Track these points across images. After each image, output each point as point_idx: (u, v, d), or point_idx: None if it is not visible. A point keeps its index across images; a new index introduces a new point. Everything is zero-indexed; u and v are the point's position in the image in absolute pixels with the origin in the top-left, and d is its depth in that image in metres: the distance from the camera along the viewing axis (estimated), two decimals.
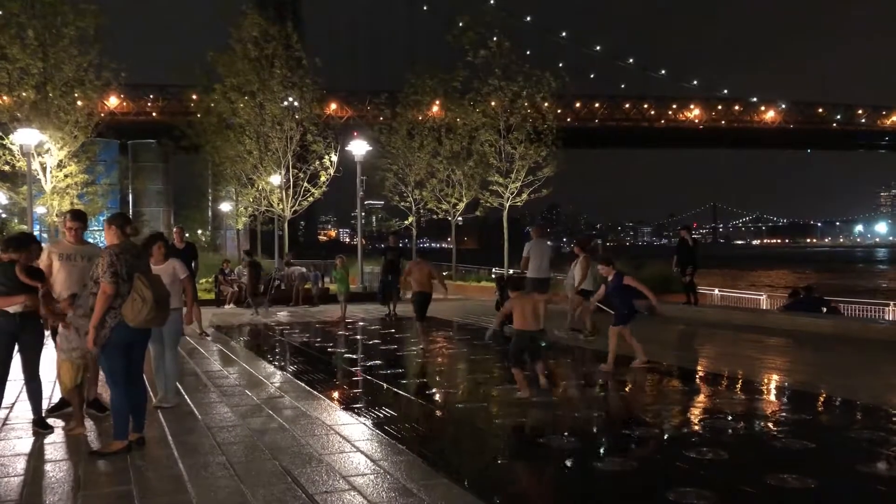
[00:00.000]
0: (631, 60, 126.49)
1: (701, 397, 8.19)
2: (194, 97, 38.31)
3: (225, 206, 46.19)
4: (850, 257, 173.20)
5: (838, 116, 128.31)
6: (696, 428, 6.74)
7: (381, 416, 7.07)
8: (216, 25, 32.22)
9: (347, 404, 7.75)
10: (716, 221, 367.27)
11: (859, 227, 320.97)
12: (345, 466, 5.41)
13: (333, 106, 64.54)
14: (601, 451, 5.99)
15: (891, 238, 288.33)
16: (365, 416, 7.06)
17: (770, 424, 6.68)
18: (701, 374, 9.59)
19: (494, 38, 27.67)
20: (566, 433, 6.32)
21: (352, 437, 6.26)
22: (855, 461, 5.32)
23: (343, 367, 10.63)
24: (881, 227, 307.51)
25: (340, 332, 14.74)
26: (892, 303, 19.72)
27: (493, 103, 27.70)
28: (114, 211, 25.12)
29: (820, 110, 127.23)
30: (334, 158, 28.29)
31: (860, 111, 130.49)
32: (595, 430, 6.84)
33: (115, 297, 5.67)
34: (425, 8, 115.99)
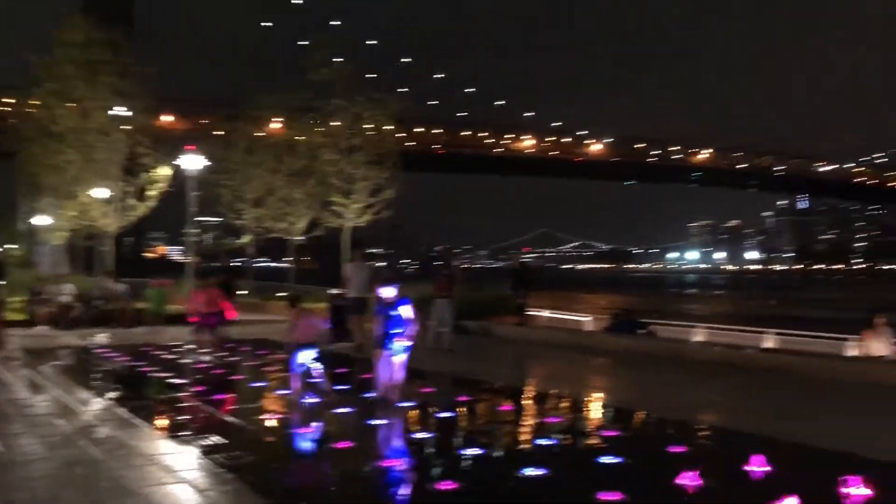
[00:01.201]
0: (473, 89, 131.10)
1: (529, 416, 8.49)
2: (10, 101, 35.25)
3: (42, 220, 42.64)
4: (665, 282, 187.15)
5: (657, 152, 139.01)
6: (524, 446, 6.97)
7: (210, 443, 6.75)
8: (44, 28, 30.01)
9: (172, 432, 7.33)
10: (547, 247, 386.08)
11: (673, 255, 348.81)
12: (165, 499, 5.10)
13: (169, 118, 61.63)
14: (437, 471, 6.04)
15: (699, 265, 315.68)
16: (191, 444, 6.70)
17: (593, 441, 7.04)
18: (531, 393, 9.96)
19: (337, 60, 27.61)
20: (403, 455, 6.33)
21: (175, 467, 5.93)
22: (669, 475, 5.69)
23: (169, 392, 10.06)
24: (692, 255, 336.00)
25: (166, 356, 13.96)
26: (700, 325, 21.47)
27: (334, 123, 27.55)
28: None
29: (639, 145, 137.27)
30: (167, 172, 26.94)
31: (673, 148, 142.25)
32: (431, 451, 6.90)
33: None
34: (270, 24, 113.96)
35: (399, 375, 8.63)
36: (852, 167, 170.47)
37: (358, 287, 14.44)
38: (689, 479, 5.40)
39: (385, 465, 6.23)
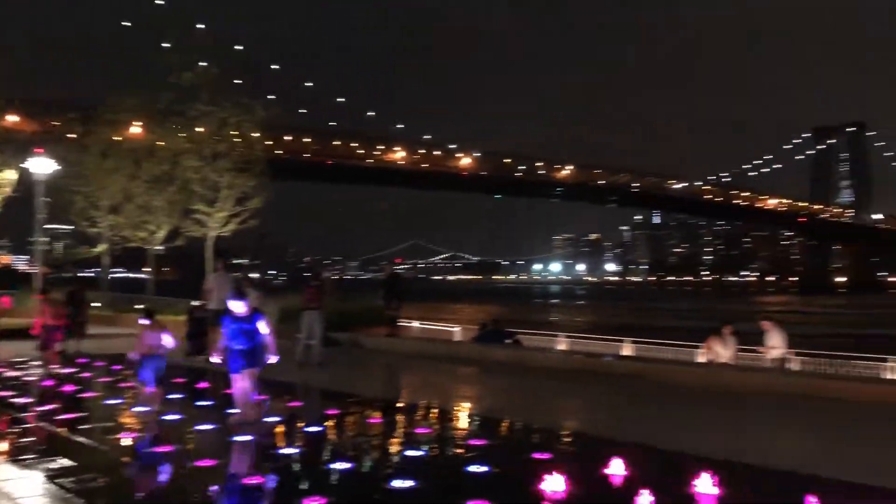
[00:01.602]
0: (343, 99, 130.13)
1: (398, 428, 8.49)
2: None
3: None
4: (530, 293, 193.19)
5: (522, 167, 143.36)
6: (393, 458, 6.95)
7: (57, 466, 6.28)
8: None
9: (14, 455, 6.77)
10: (418, 258, 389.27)
11: (538, 266, 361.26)
12: None
13: (14, 118, 57.22)
14: (303, 487, 5.91)
15: (562, 276, 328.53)
16: (36, 468, 6.22)
17: (460, 450, 7.12)
18: (401, 404, 9.96)
19: (201, 63, 26.66)
20: (268, 471, 6.15)
21: (15, 494, 5.47)
22: (533, 482, 5.84)
23: (10, 412, 9.28)
24: (555, 267, 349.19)
25: (9, 373, 12.90)
26: (562, 334, 22.29)
27: (198, 129, 26.56)
28: None
29: (506, 160, 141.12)
30: (12, 176, 25.03)
31: (539, 164, 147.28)
32: (298, 467, 6.74)
33: None
34: (129, 24, 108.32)
35: (252, 391, 8.32)
36: (701, 185, 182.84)
37: (220, 299, 13.85)
38: (552, 485, 5.57)
39: (248, 482, 6.03)
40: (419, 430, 8.11)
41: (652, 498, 5.17)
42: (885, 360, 15.21)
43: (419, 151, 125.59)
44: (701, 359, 14.45)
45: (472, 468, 6.24)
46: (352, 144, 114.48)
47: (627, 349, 19.87)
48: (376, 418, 8.91)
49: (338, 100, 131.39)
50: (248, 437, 7.51)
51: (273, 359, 8.44)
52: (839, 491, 5.65)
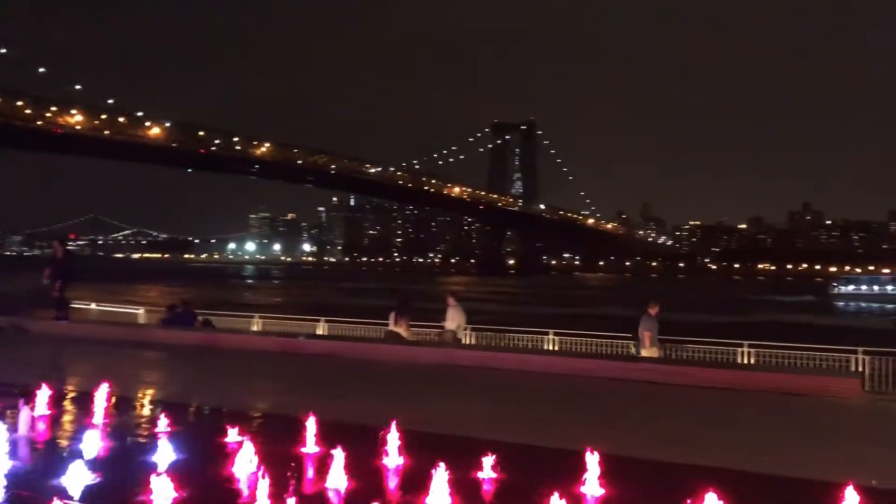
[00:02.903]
0: (4, 51, 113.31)
1: (68, 419, 7.70)
2: None
3: None
4: (223, 273, 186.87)
5: (217, 141, 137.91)
6: (64, 453, 6.29)
7: None
8: None
9: None
10: (97, 233, 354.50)
11: (232, 245, 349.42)
12: None
13: None
14: None
15: (258, 256, 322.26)
16: None
17: (142, 440, 6.67)
18: (72, 394, 9.03)
19: None
20: None
21: None
22: (223, 466, 5.64)
23: None
24: (251, 246, 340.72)
25: None
26: (258, 315, 21.96)
27: None
28: None
29: (201, 133, 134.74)
30: None
31: (236, 139, 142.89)
32: None
33: None
34: None
35: None
36: (395, 171, 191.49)
37: None
38: (241, 467, 5.47)
39: None
40: (89, 421, 7.37)
41: (346, 474, 5.32)
42: (545, 334, 17.24)
43: (101, 116, 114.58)
44: (389, 335, 15.16)
45: (155, 457, 5.87)
46: (18, 104, 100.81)
47: (321, 328, 20.20)
48: (45, 412, 7.97)
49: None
50: None
51: None
52: (504, 451, 6.27)
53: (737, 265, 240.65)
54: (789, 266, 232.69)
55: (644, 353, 13.58)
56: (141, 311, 22.32)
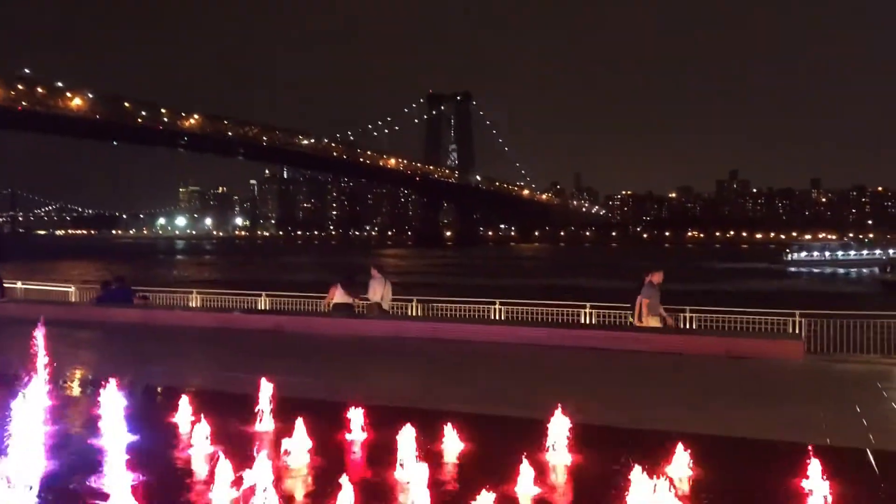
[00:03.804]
0: None
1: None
2: None
3: None
4: (154, 249, 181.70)
5: (144, 113, 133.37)
6: None
7: None
8: None
9: None
10: (15, 209, 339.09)
11: (162, 221, 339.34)
12: None
13: None
14: None
15: (188, 231, 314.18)
16: None
17: (79, 428, 6.39)
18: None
19: None
20: None
21: None
22: (180, 449, 5.43)
23: None
24: (181, 221, 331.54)
25: None
26: (195, 291, 21.35)
27: None
28: None
29: (127, 105, 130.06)
30: None
31: (164, 110, 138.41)
32: None
33: None
34: None
35: None
36: (328, 142, 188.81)
37: None
38: (198, 447, 5.26)
39: None
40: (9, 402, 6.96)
41: (309, 444, 5.16)
42: (493, 304, 17.19)
43: (17, 87, 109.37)
44: (337, 307, 14.92)
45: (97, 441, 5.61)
46: None
47: (262, 303, 19.78)
48: None
49: None
50: None
51: None
52: (468, 421, 6.20)
53: (667, 233, 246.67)
54: (717, 234, 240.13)
55: (643, 322, 12.26)
56: (72, 288, 21.44)
